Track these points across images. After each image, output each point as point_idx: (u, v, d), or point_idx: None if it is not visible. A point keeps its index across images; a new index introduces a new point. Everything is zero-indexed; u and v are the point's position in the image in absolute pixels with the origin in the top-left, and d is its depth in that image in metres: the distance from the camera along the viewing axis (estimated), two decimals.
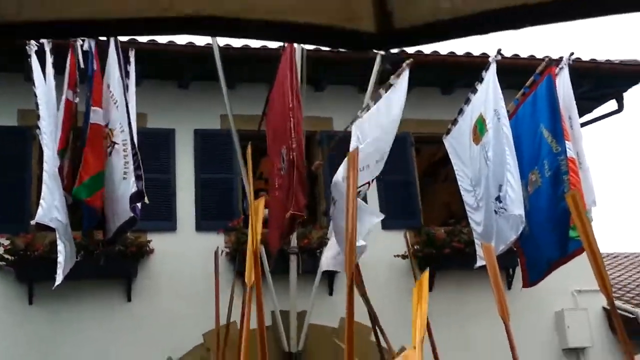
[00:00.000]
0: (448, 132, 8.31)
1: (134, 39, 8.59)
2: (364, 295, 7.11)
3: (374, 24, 1.46)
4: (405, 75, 7.06)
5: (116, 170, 6.83)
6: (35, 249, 7.86)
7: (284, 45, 7.58)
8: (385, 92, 7.37)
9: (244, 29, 1.45)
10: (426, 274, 4.23)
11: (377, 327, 6.81)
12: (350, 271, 4.36)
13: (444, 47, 9.84)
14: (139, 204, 6.71)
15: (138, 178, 6.60)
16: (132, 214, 6.71)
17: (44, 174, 6.80)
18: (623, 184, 31.40)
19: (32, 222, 6.75)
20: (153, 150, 8.63)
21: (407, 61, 7.17)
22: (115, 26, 1.47)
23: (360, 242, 6.74)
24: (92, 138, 6.83)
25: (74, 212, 7.26)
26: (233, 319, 6.62)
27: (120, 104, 6.96)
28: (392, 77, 7.36)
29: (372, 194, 7.97)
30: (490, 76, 7.53)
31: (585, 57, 9.89)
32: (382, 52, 8.07)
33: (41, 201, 6.65)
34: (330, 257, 7.37)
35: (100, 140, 6.92)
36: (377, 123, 7.42)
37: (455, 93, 9.77)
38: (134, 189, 6.58)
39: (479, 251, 7.47)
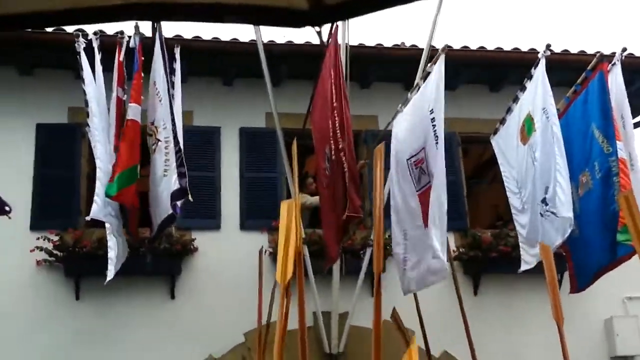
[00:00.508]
0: (496, 131, 8.15)
1: (180, 36, 8.67)
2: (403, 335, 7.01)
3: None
4: (440, 62, 6.90)
5: (158, 168, 6.88)
6: (83, 245, 7.99)
7: (328, 41, 7.54)
8: (424, 82, 7.27)
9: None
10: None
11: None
12: (378, 271, 4.30)
13: (491, 43, 9.64)
14: (179, 202, 6.72)
15: (181, 175, 6.62)
16: (171, 211, 6.73)
17: (97, 170, 6.92)
18: None
19: (87, 218, 6.86)
20: (199, 148, 8.69)
21: (443, 46, 7.00)
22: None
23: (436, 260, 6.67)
24: (128, 134, 6.88)
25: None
26: (274, 319, 6.60)
27: (164, 101, 7.00)
28: (429, 64, 7.23)
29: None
30: (539, 73, 7.32)
31: (638, 53, 9.60)
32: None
33: (95, 197, 6.75)
34: (408, 275, 7.21)
35: (136, 137, 6.96)
36: (414, 114, 7.31)
37: (504, 90, 9.57)
38: (176, 186, 6.61)
39: (524, 255, 7.32)
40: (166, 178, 6.76)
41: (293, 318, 5.39)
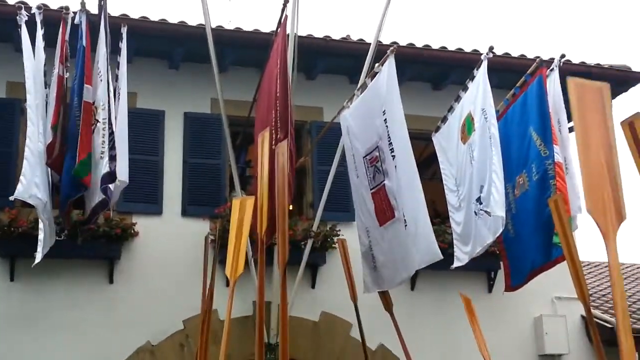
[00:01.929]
0: (437, 129, 8.29)
1: (126, 15, 8.52)
2: (390, 311, 7.15)
3: None
4: (390, 62, 6.99)
5: (96, 150, 6.76)
6: (19, 225, 7.80)
7: (276, 31, 7.54)
8: (371, 80, 7.36)
9: None
10: None
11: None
12: (283, 264, 4.38)
13: (435, 42, 9.81)
14: (111, 186, 6.63)
15: (112, 159, 6.54)
16: (103, 196, 6.64)
17: (26, 149, 6.75)
18: None
19: (11, 198, 6.66)
20: (142, 130, 8.56)
21: (392, 47, 7.10)
22: None
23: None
24: (86, 117, 6.75)
25: (58, 191, 7.22)
26: (214, 307, 6.59)
27: (104, 81, 6.88)
28: (377, 65, 7.33)
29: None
30: (481, 74, 7.45)
31: (576, 60, 9.90)
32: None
33: (21, 177, 6.61)
34: (375, 273, 7.34)
35: (90, 119, 6.84)
36: (365, 113, 7.41)
37: (447, 89, 9.77)
38: (106, 169, 6.51)
39: (457, 252, 7.48)
40: (101, 160, 6.65)
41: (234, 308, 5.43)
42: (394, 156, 6.79)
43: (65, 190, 6.93)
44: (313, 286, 8.79)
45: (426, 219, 6.50)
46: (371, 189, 7.23)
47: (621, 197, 3.32)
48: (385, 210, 7.01)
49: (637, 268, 14.18)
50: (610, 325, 9.37)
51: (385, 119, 6.90)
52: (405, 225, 6.65)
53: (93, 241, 7.89)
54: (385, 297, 7.34)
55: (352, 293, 7.05)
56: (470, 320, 6.02)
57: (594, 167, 3.27)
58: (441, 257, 6.42)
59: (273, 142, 6.59)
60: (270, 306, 8.11)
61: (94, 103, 6.92)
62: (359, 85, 7.81)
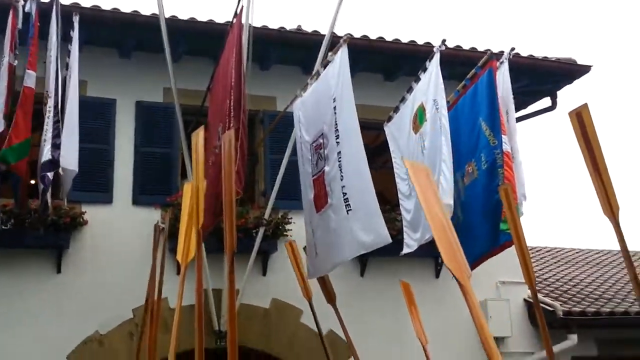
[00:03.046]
0: (389, 119, 8.40)
1: (77, 4, 8.43)
2: (332, 302, 7.21)
3: None
4: (343, 51, 7.06)
5: (44, 137, 6.68)
6: None
7: (232, 21, 7.55)
8: (324, 69, 7.43)
9: None
10: None
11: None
12: (230, 250, 4.47)
13: (388, 34, 9.92)
14: (49, 174, 6.51)
15: (55, 147, 6.46)
16: (42, 185, 6.56)
17: None
18: (551, 181, 32.44)
19: None
20: (92, 119, 8.48)
21: (345, 37, 7.18)
22: None
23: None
24: (24, 101, 6.68)
25: (6, 180, 7.11)
26: (165, 296, 6.59)
27: (54, 69, 6.82)
28: (329, 54, 7.40)
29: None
30: (433, 66, 7.57)
31: (524, 53, 10.12)
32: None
33: None
34: (317, 260, 7.38)
35: (31, 105, 6.76)
36: (316, 101, 7.48)
37: (399, 80, 9.88)
38: (47, 157, 6.44)
39: (407, 239, 7.58)
40: (44, 148, 6.58)
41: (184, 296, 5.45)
42: (338, 142, 6.86)
43: (15, 178, 6.84)
44: (264, 274, 8.82)
45: (375, 203, 6.54)
46: (313, 176, 7.32)
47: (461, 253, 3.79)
48: (322, 197, 7.11)
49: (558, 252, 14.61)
50: (551, 309, 9.67)
51: (335, 107, 6.98)
52: (348, 211, 6.67)
53: (43, 230, 7.80)
54: (326, 289, 7.41)
55: (305, 292, 7.08)
56: (409, 305, 6.15)
57: (439, 228, 3.82)
58: (390, 240, 6.47)
59: (225, 130, 6.62)
60: (222, 294, 8.15)
61: (46, 91, 6.85)
62: (312, 75, 7.87)
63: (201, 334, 4.69)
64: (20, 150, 6.50)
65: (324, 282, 7.42)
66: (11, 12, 7.23)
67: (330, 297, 7.37)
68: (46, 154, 6.45)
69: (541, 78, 10.31)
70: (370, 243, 6.61)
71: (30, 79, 6.78)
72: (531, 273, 5.02)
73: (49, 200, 6.30)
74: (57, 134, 6.51)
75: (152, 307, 6.20)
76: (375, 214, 6.54)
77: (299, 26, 9.79)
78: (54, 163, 6.46)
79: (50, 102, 6.68)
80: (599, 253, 14.58)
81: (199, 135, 5.29)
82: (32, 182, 7.59)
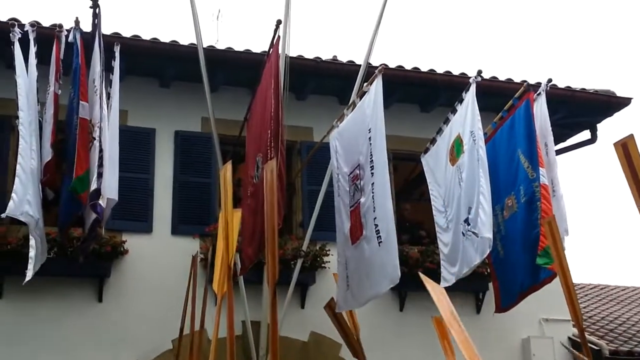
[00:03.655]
0: (426, 150, 8.40)
1: (118, 34, 8.56)
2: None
3: None
4: (378, 82, 7.09)
5: (92, 167, 6.78)
6: (8, 242, 7.73)
7: (269, 51, 7.62)
8: (360, 100, 7.45)
9: None
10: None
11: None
12: (273, 282, 4.46)
13: (424, 65, 9.92)
14: (100, 202, 6.60)
15: (99, 175, 6.55)
16: (94, 214, 6.64)
17: (18, 167, 6.71)
18: (593, 215, 31.86)
19: (2, 215, 6.62)
20: (133, 148, 8.56)
21: (379, 67, 7.20)
22: None
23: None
24: (82, 133, 6.78)
25: (50, 208, 7.20)
26: (205, 327, 6.59)
27: (99, 99, 6.93)
28: (365, 84, 7.42)
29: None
30: (470, 97, 7.60)
31: (562, 84, 10.06)
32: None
33: (12, 194, 6.56)
34: (348, 293, 7.32)
35: (87, 135, 6.87)
36: (352, 131, 7.49)
37: (435, 111, 9.87)
38: (94, 186, 6.52)
39: (444, 272, 7.55)
40: (93, 178, 6.68)
41: (222, 327, 5.44)
42: (372, 173, 6.88)
43: (65, 207, 6.93)
44: (302, 306, 8.77)
45: (394, 237, 6.54)
46: (350, 207, 7.31)
47: None
48: (357, 229, 7.10)
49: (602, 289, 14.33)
50: (597, 348, 9.49)
51: (370, 137, 7.00)
52: (380, 242, 6.66)
53: (83, 259, 7.85)
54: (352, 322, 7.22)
55: (356, 353, 6.75)
56: (441, 341, 5.96)
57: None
58: (397, 281, 6.41)
59: (263, 160, 6.66)
60: (260, 326, 8.10)
61: (90, 120, 6.96)
62: (348, 105, 7.90)
63: None
64: (85, 180, 6.61)
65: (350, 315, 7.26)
66: (55, 42, 7.36)
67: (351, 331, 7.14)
68: (93, 184, 6.53)
69: (579, 110, 10.23)
70: (392, 278, 6.54)
71: (84, 110, 6.88)
72: (577, 310, 4.94)
73: (103, 229, 6.34)
74: (100, 163, 6.60)
75: (192, 337, 6.21)
76: (395, 248, 6.55)
77: (335, 56, 9.85)
78: (98, 192, 6.53)
79: (97, 132, 6.77)
80: None
81: (227, 169, 5.34)
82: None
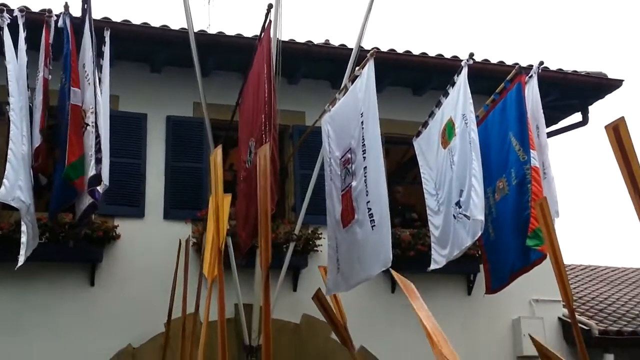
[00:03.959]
0: (418, 134, 8.40)
1: (108, 19, 8.52)
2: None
3: None
4: (370, 65, 7.09)
5: (87, 153, 6.77)
6: (0, 227, 7.74)
7: (260, 35, 7.60)
8: (352, 84, 7.45)
9: None
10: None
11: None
12: (266, 265, 4.49)
13: (416, 48, 9.91)
14: (98, 188, 6.64)
15: (97, 161, 6.55)
16: (91, 199, 6.65)
17: (9, 152, 6.70)
18: (584, 196, 32.00)
19: None
20: (124, 134, 8.53)
21: (371, 51, 7.19)
22: None
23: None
24: (74, 119, 6.78)
25: (42, 194, 7.20)
26: (191, 311, 6.63)
27: (92, 84, 6.91)
28: (357, 68, 7.41)
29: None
30: (462, 80, 7.58)
31: (553, 67, 10.06)
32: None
33: (4, 180, 6.56)
34: (338, 276, 7.34)
35: (79, 122, 6.88)
36: (344, 115, 7.50)
37: (427, 95, 9.87)
38: (92, 172, 6.53)
39: (435, 255, 7.60)
40: (90, 164, 6.67)
41: (213, 310, 5.47)
42: (364, 157, 6.88)
43: (57, 193, 6.93)
44: (295, 289, 8.82)
45: (387, 221, 6.56)
46: (342, 191, 7.33)
47: None
48: (349, 212, 7.12)
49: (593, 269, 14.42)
50: (587, 328, 9.55)
51: (362, 121, 7.00)
52: (373, 226, 6.68)
53: (75, 244, 7.87)
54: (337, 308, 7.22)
55: (345, 342, 6.76)
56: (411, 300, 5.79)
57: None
58: (389, 265, 6.42)
59: (256, 145, 6.66)
60: (252, 309, 8.14)
61: (82, 106, 6.94)
62: (340, 89, 7.90)
63: (224, 350, 4.70)
64: (78, 167, 6.62)
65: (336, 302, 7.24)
66: (44, 28, 7.33)
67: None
68: (91, 169, 6.53)
69: (571, 92, 10.24)
70: (385, 262, 6.58)
71: (75, 96, 6.87)
72: (568, 291, 4.94)
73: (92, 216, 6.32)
74: (98, 149, 6.59)
75: (184, 321, 6.24)
76: (388, 232, 6.56)
77: (327, 40, 9.83)
78: (98, 178, 6.54)
79: (92, 118, 6.76)
80: (635, 271, 14.37)
81: (217, 153, 5.35)
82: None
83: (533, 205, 6.53)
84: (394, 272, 4.80)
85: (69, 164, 6.57)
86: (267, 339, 4.38)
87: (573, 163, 29.38)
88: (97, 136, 6.65)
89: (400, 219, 9.64)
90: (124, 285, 8.31)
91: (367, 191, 6.81)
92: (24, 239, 6.70)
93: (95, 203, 6.70)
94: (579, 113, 10.60)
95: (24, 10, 7.44)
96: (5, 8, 7.40)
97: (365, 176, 6.85)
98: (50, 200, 7.17)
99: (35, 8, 8.00)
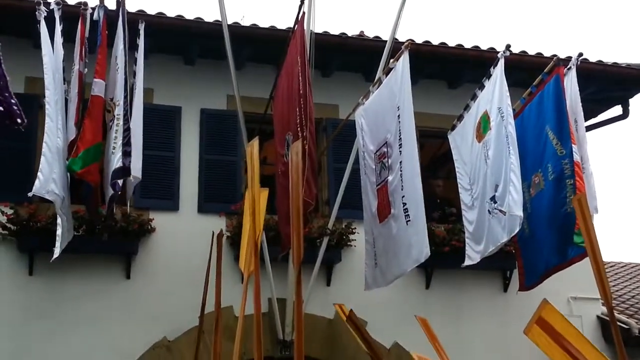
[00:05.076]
0: (453, 127, 8.29)
1: (143, 11, 8.56)
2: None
3: None
4: (405, 58, 7.03)
5: (111, 145, 6.81)
6: (38, 220, 7.84)
7: (293, 27, 7.57)
8: (386, 76, 7.38)
9: None
10: None
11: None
12: (298, 262, 4.45)
13: (452, 40, 9.77)
14: (119, 181, 6.66)
15: (126, 154, 6.59)
16: (112, 192, 6.68)
17: (44, 145, 6.77)
18: (623, 193, 31.32)
19: (29, 194, 6.69)
20: (158, 127, 8.59)
21: (406, 42, 7.11)
22: None
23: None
24: (92, 110, 6.86)
25: (78, 186, 7.27)
26: (230, 304, 6.63)
27: (122, 77, 6.97)
28: (391, 60, 7.33)
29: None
30: (498, 73, 7.45)
31: (593, 58, 9.85)
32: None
33: (39, 173, 6.64)
34: (376, 271, 7.34)
35: (100, 113, 6.93)
36: (379, 109, 7.43)
37: (462, 87, 9.74)
38: (118, 164, 6.56)
39: (469, 250, 7.53)
40: (113, 155, 6.71)
41: (248, 304, 5.46)
42: (401, 152, 6.85)
43: (86, 186, 6.99)
44: (328, 284, 8.78)
45: (423, 216, 6.55)
46: (377, 185, 7.29)
47: None
48: (385, 207, 7.09)
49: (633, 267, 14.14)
50: (626, 326, 9.39)
51: (399, 115, 6.95)
52: (408, 221, 6.66)
53: (111, 236, 7.93)
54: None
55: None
56: (432, 342, 5.79)
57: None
58: (423, 259, 6.45)
59: (293, 138, 6.65)
60: (286, 303, 8.14)
61: (112, 99, 6.98)
62: (374, 82, 7.83)
63: (260, 347, 4.68)
64: (87, 157, 6.64)
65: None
66: (80, 21, 7.38)
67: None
68: (117, 162, 6.57)
69: (611, 85, 10.02)
70: (418, 257, 6.56)
71: (98, 88, 6.91)
72: (607, 289, 4.83)
73: (128, 207, 6.35)
74: (127, 142, 6.62)
75: (217, 315, 6.23)
76: (424, 227, 6.55)
77: (362, 32, 9.75)
78: (125, 170, 6.57)
79: (119, 110, 6.80)
80: None
81: (253, 146, 5.29)
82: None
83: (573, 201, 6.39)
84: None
85: (76, 155, 6.60)
86: (299, 334, 4.35)
87: (613, 157, 28.80)
88: (127, 129, 6.68)
89: (440, 213, 9.55)
90: (159, 278, 8.36)
91: (402, 185, 6.79)
92: (59, 231, 6.78)
93: (115, 196, 6.73)
94: (619, 106, 10.37)
95: (60, 3, 7.49)
96: (42, 1, 7.46)
97: (401, 170, 6.84)
98: (83, 193, 7.22)
99: (71, 1, 8.06)
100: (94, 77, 7.00)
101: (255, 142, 5.30)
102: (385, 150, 7.20)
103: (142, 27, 7.60)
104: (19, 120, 6.01)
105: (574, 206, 5.20)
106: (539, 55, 9.67)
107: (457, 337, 8.83)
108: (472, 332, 8.85)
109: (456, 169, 8.06)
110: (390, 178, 7.03)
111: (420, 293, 9.03)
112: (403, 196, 6.77)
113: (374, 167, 7.42)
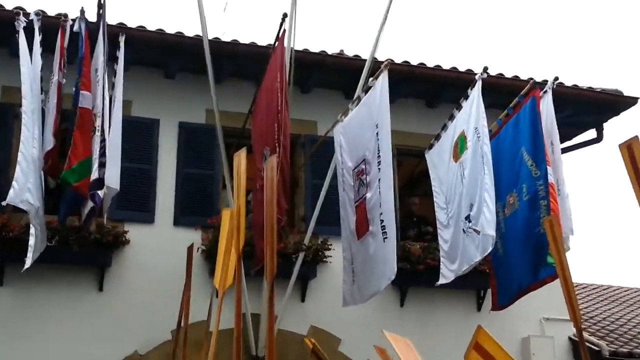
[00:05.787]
0: (430, 147, 8.36)
1: (124, 24, 8.56)
2: None
3: None
4: (384, 77, 7.09)
5: (93, 156, 6.79)
6: (10, 229, 7.73)
7: (274, 44, 7.61)
8: (365, 94, 7.44)
9: None
10: None
11: None
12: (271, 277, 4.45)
13: (430, 60, 9.89)
14: (99, 192, 6.66)
15: (101, 165, 6.57)
16: (92, 204, 6.66)
17: (19, 155, 6.75)
18: (597, 215, 31.65)
19: (3, 203, 6.64)
20: (136, 139, 8.57)
21: (385, 62, 7.18)
22: None
23: None
24: (81, 122, 6.83)
25: (52, 196, 7.22)
26: (203, 318, 6.58)
27: (101, 89, 6.97)
28: (370, 79, 7.39)
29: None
30: (475, 94, 7.55)
31: (568, 82, 10.00)
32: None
33: (13, 182, 6.62)
34: (354, 287, 7.38)
35: (89, 125, 6.90)
36: (357, 126, 7.48)
37: (440, 107, 9.82)
38: (95, 176, 6.56)
39: (444, 269, 7.56)
40: (93, 167, 6.69)
41: (222, 319, 5.44)
42: (379, 169, 6.90)
43: (66, 197, 6.94)
44: (303, 299, 8.76)
45: (394, 234, 6.66)
46: (355, 202, 7.33)
47: None
48: (363, 224, 7.12)
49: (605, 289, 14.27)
50: (597, 348, 9.44)
51: (377, 133, 7.01)
52: (385, 238, 6.72)
53: (84, 248, 7.85)
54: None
55: None
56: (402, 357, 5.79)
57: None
58: (393, 278, 6.54)
59: (270, 154, 6.67)
60: (259, 318, 8.10)
61: (93, 110, 6.97)
62: (353, 99, 7.88)
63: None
64: (81, 170, 6.64)
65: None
66: (60, 32, 7.37)
67: None
68: (94, 173, 6.54)
69: (586, 109, 10.16)
70: (390, 275, 6.64)
71: (85, 100, 6.90)
72: (576, 310, 4.92)
73: (105, 218, 6.34)
74: (103, 153, 6.61)
75: (186, 330, 6.19)
76: (395, 244, 6.66)
77: (341, 50, 9.82)
78: (100, 181, 6.54)
79: (98, 122, 6.78)
80: None
81: (240, 157, 5.20)
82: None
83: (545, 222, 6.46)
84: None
85: (69, 167, 6.59)
86: (270, 351, 4.34)
87: (587, 180, 29.16)
88: (103, 140, 6.67)
89: (416, 231, 9.59)
90: (132, 291, 8.28)
91: (380, 203, 6.83)
92: (32, 241, 6.74)
93: (96, 207, 6.70)
94: (594, 130, 10.51)
95: (40, 14, 7.50)
96: (21, 11, 7.45)
97: (379, 188, 6.89)
98: (59, 204, 7.17)
99: (51, 12, 8.04)
100: (80, 89, 6.98)
101: (243, 153, 5.21)
102: (364, 167, 7.25)
103: (122, 39, 7.59)
104: None
105: (545, 227, 5.26)
106: (516, 78, 9.80)
107: (431, 355, 8.82)
108: (445, 351, 8.84)
109: (433, 188, 8.11)
110: (368, 195, 7.07)
111: (395, 311, 9.03)
112: (381, 213, 6.82)
113: (352, 183, 7.45)
